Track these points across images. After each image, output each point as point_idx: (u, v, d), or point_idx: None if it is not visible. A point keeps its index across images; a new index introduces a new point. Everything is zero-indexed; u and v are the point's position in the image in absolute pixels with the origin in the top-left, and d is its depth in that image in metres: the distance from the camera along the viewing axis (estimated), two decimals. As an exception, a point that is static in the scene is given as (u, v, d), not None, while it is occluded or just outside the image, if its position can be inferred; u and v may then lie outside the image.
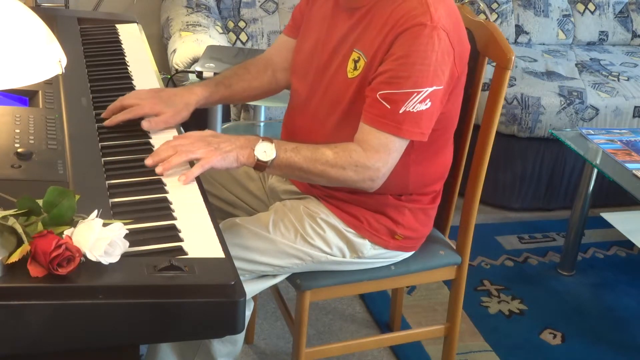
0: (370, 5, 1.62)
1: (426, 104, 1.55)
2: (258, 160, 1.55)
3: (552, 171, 3.18)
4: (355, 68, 1.63)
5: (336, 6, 1.71)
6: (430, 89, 1.54)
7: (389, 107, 1.55)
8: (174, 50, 2.83)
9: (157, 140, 1.61)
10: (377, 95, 1.56)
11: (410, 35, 1.53)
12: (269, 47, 1.97)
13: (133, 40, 2.15)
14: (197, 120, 1.86)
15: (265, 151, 1.56)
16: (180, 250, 1.24)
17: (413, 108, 1.54)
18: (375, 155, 1.57)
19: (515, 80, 3.18)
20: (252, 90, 1.90)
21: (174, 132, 1.68)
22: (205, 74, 2.43)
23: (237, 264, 1.32)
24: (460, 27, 1.64)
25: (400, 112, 1.54)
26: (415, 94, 1.54)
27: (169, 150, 1.50)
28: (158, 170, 1.46)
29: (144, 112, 1.68)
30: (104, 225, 1.14)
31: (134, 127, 1.66)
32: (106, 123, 1.64)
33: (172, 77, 2.75)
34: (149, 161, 1.48)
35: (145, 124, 1.65)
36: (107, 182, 1.42)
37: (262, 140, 1.57)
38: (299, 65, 1.80)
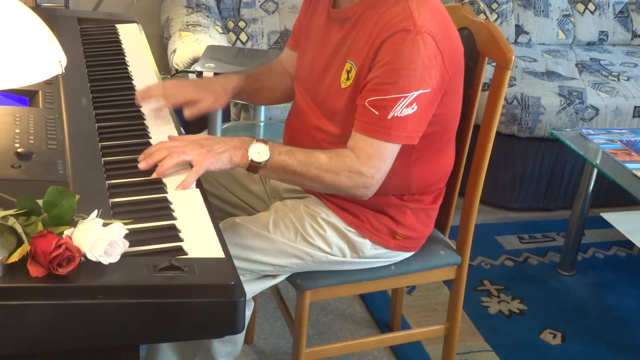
0: (358, 15, 1.63)
1: (412, 108, 1.55)
2: (252, 161, 1.55)
3: (552, 171, 3.18)
4: (347, 78, 1.63)
5: (328, 18, 1.72)
6: (416, 93, 1.54)
7: (377, 113, 1.55)
8: (174, 50, 2.83)
9: (157, 140, 1.60)
10: (366, 103, 1.56)
11: (395, 41, 1.54)
12: (280, 56, 1.99)
13: (133, 40, 2.15)
14: (198, 120, 1.86)
15: (259, 152, 1.56)
16: (180, 250, 1.24)
17: (400, 113, 1.55)
18: (369, 161, 1.57)
19: (515, 80, 3.18)
20: (276, 92, 1.94)
21: (173, 132, 1.68)
22: (205, 74, 2.43)
23: (237, 263, 1.32)
24: (449, 28, 1.64)
25: (389, 117, 1.55)
26: (402, 98, 1.54)
27: (162, 152, 1.49)
28: (153, 175, 1.46)
29: (186, 98, 1.71)
30: (104, 225, 1.14)
31: (134, 127, 1.66)
32: (138, 101, 1.71)
33: (172, 77, 2.75)
34: (142, 165, 1.48)
35: (187, 113, 1.69)
36: (107, 182, 1.42)
37: (257, 141, 1.57)
38: (302, 76, 1.81)
